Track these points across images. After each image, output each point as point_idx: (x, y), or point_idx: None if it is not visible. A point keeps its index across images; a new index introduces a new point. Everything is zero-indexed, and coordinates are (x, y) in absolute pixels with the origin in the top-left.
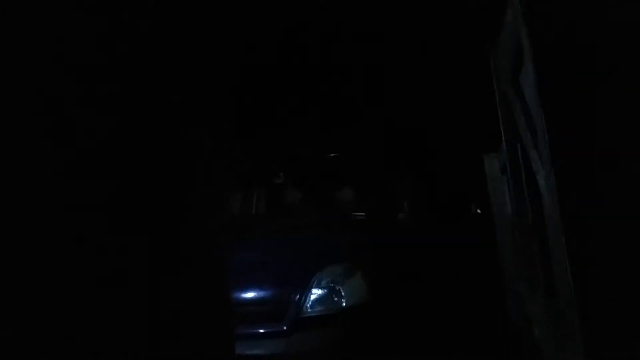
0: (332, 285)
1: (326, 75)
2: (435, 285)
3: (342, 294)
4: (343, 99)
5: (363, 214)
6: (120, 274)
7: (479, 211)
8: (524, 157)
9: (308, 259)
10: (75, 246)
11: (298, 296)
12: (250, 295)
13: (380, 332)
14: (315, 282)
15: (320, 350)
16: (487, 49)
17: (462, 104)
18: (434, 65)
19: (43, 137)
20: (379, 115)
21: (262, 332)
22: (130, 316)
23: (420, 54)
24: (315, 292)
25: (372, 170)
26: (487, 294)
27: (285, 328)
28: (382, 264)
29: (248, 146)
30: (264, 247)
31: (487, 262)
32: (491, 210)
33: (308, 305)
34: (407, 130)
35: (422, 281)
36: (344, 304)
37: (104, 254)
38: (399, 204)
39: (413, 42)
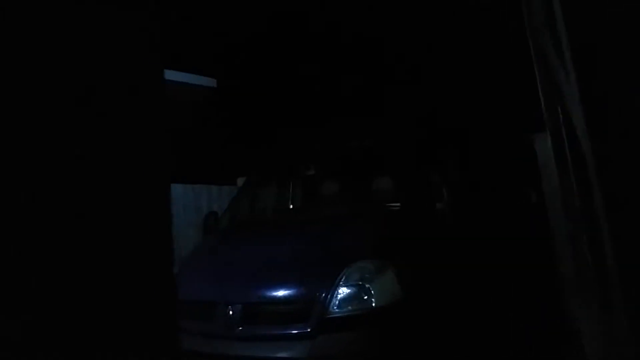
0: (361, 282)
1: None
2: (478, 284)
3: (372, 292)
4: (377, 83)
5: (398, 204)
6: None
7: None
8: (567, 124)
9: (336, 254)
10: None
11: (324, 294)
12: (272, 292)
13: (414, 335)
14: (343, 280)
15: (347, 354)
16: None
17: (509, 74)
18: (473, 38)
19: None
20: (414, 98)
21: (284, 334)
22: None
23: (458, 29)
24: (343, 290)
25: (407, 157)
26: (540, 292)
27: (309, 329)
28: (417, 260)
29: (279, 137)
30: (290, 242)
31: (542, 256)
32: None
33: (334, 305)
34: (447, 110)
35: (462, 279)
36: (373, 304)
37: None
38: (437, 193)
39: (450, 18)
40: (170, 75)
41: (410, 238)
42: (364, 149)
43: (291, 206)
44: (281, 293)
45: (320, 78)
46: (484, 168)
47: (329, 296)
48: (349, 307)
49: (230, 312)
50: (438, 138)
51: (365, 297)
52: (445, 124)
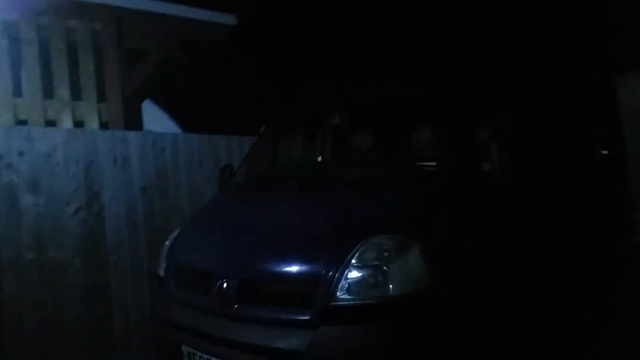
0: (377, 263)
1: None
2: (533, 269)
3: (390, 276)
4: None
5: (433, 164)
6: None
7: (604, 152)
8: None
9: (351, 226)
10: None
11: (330, 276)
12: (272, 268)
13: (439, 335)
14: (356, 258)
15: (352, 353)
16: None
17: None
18: None
19: None
20: (460, 33)
21: (282, 319)
22: None
23: None
24: (354, 272)
25: (452, 106)
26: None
27: (310, 318)
28: (452, 236)
29: (307, 81)
30: (305, 207)
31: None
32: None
33: (342, 289)
34: (497, 48)
35: (512, 264)
36: (390, 291)
37: None
38: (485, 151)
39: None
40: (183, 11)
41: (445, 209)
42: (401, 95)
43: (315, 161)
44: (282, 269)
45: (355, 10)
46: (549, 119)
47: (335, 278)
48: (360, 294)
49: (226, 287)
50: (493, 81)
51: (381, 282)
52: (503, 64)
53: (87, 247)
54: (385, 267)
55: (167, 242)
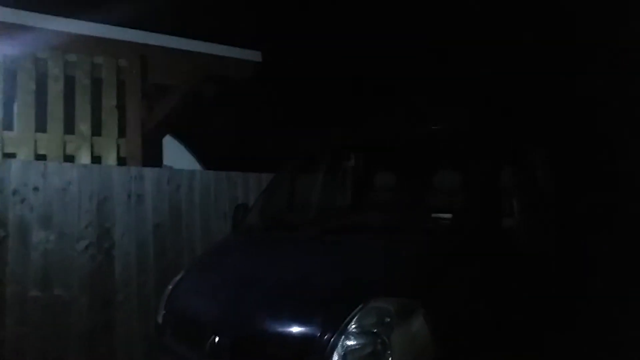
0: (376, 331)
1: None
2: (555, 340)
3: (390, 346)
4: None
5: (448, 216)
6: None
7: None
8: None
9: (353, 285)
10: None
11: (325, 340)
12: (266, 327)
13: None
14: (353, 323)
15: None
16: None
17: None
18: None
19: None
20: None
21: None
22: None
23: None
24: (350, 339)
25: (476, 154)
26: None
27: None
28: (463, 302)
29: (327, 120)
30: (309, 259)
31: None
32: None
33: (337, 358)
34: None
35: (532, 334)
36: None
37: None
38: (505, 204)
39: None
40: (209, 48)
41: (456, 270)
42: (422, 139)
43: (331, 204)
44: (276, 329)
45: (382, 50)
46: (582, 174)
47: (330, 345)
48: None
49: (218, 343)
50: (524, 130)
51: (380, 353)
52: (537, 112)
53: (94, 285)
54: (385, 336)
55: (169, 287)
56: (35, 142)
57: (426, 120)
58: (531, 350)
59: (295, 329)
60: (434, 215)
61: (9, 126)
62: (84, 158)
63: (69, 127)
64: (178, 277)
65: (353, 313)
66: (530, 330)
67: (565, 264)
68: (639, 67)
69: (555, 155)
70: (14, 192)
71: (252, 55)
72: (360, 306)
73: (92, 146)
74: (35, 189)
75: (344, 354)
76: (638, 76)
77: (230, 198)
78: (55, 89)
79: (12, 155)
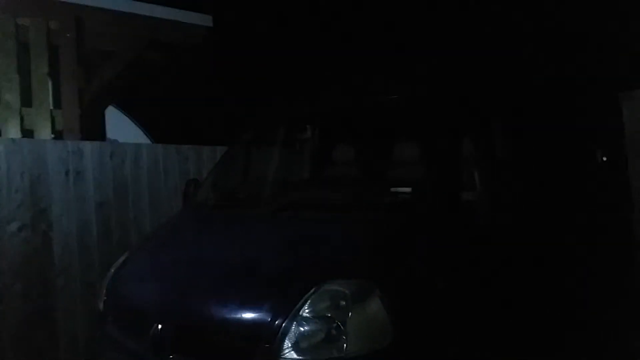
0: (329, 315)
1: None
2: (517, 320)
3: (345, 331)
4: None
5: (408, 189)
6: None
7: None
8: None
9: (306, 265)
10: None
11: (275, 327)
12: (211, 313)
13: None
14: (305, 308)
15: None
16: None
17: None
18: None
19: None
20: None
21: None
22: None
23: None
24: (302, 325)
25: (435, 122)
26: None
27: None
28: (424, 282)
29: (284, 88)
30: (260, 239)
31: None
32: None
33: (287, 348)
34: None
35: (493, 314)
36: (345, 349)
37: None
38: (472, 175)
39: None
40: (154, 10)
41: (416, 247)
42: (380, 108)
43: (286, 178)
44: (221, 316)
45: (341, 17)
46: (546, 142)
47: (280, 332)
48: (309, 353)
49: (161, 332)
50: (486, 95)
51: (335, 339)
52: (501, 76)
53: (30, 270)
54: (339, 321)
55: (111, 270)
56: None
57: (384, 89)
58: (492, 331)
59: (243, 316)
60: (392, 189)
61: None
62: (13, 132)
63: None
64: (121, 260)
65: (306, 297)
66: (491, 311)
67: (526, 239)
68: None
69: (516, 125)
70: None
71: (203, 20)
72: (313, 289)
73: (22, 119)
74: None
75: (296, 340)
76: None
77: (181, 173)
78: None
79: None
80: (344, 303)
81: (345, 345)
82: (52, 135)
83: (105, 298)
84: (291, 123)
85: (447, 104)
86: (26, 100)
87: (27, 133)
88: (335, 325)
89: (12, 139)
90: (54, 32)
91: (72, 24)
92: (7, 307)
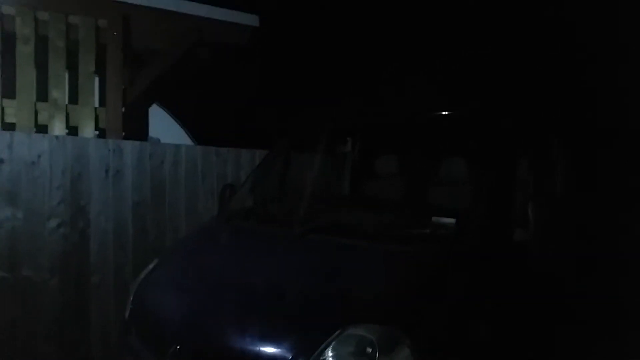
0: None
1: None
2: None
3: None
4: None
5: (452, 220)
6: None
7: None
8: None
9: (333, 302)
10: None
11: None
12: (230, 342)
13: None
14: (329, 352)
15: None
16: None
17: None
18: None
19: None
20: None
21: None
22: None
23: None
24: None
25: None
26: None
27: None
28: (459, 334)
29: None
30: (288, 261)
31: None
32: None
33: None
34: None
35: None
36: None
37: None
38: (519, 209)
39: None
40: (201, 9)
41: (453, 290)
42: (429, 124)
43: (324, 194)
44: (242, 348)
45: (393, 17)
46: (617, 168)
47: None
48: None
49: (179, 353)
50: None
51: None
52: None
53: (67, 266)
54: None
55: (140, 276)
56: (3, 109)
57: (436, 103)
58: None
59: (263, 350)
60: (433, 218)
61: None
62: (58, 128)
63: (42, 95)
64: (151, 266)
65: (330, 339)
66: None
67: (587, 290)
68: None
69: (583, 147)
70: None
71: (249, 19)
72: (338, 331)
73: (67, 116)
74: (0, 161)
75: None
76: None
77: (219, 175)
78: (25, 51)
79: None
80: (370, 350)
81: None
82: (96, 133)
83: (131, 307)
84: (334, 133)
85: (501, 122)
86: (73, 97)
87: (72, 130)
88: None
89: (55, 136)
90: (102, 30)
91: (119, 22)
92: (44, 301)
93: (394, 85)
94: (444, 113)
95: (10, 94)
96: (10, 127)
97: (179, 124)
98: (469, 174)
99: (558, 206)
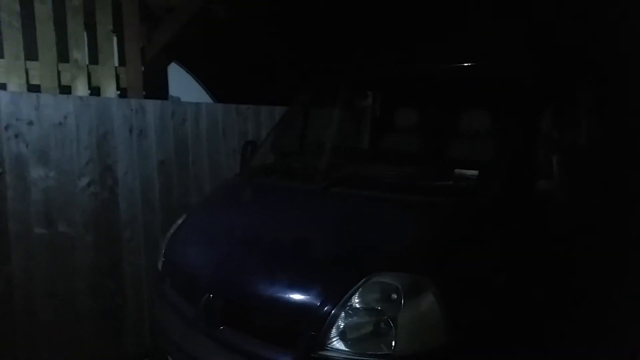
0: (380, 308)
1: None
2: (589, 329)
3: (394, 328)
4: None
5: (475, 172)
6: None
7: None
8: None
9: (359, 251)
10: None
11: (322, 314)
12: (260, 291)
13: None
14: (355, 298)
15: None
16: None
17: None
18: None
19: None
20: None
21: (263, 357)
22: None
23: None
24: (350, 316)
25: (511, 97)
26: None
27: None
28: (482, 282)
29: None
30: (313, 213)
31: None
32: None
33: (332, 337)
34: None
35: (562, 323)
36: (393, 345)
37: None
38: (543, 159)
39: None
40: None
41: (478, 239)
42: (450, 75)
43: (346, 148)
44: (270, 295)
45: None
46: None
47: (327, 320)
48: (354, 346)
49: (212, 304)
50: (574, 61)
51: (383, 334)
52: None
53: (99, 223)
54: (390, 316)
55: (171, 231)
56: (27, 71)
57: (458, 55)
58: (557, 339)
59: (291, 298)
60: (456, 170)
61: None
62: (81, 89)
63: (63, 55)
64: (180, 221)
65: (356, 286)
66: (560, 320)
67: (611, 239)
68: None
69: (609, 97)
70: (7, 127)
71: None
72: (364, 279)
73: (89, 76)
74: (30, 123)
75: (343, 330)
76: None
77: (240, 133)
78: (43, 11)
79: (3, 87)
80: (395, 297)
81: (393, 342)
82: (118, 92)
83: (163, 259)
84: (354, 86)
85: (525, 72)
86: (94, 57)
87: (94, 91)
88: (385, 319)
89: (80, 96)
90: None
91: None
92: (80, 256)
93: (415, 37)
94: (466, 64)
95: (33, 55)
96: (35, 89)
97: (198, 82)
98: (493, 125)
99: (582, 157)
